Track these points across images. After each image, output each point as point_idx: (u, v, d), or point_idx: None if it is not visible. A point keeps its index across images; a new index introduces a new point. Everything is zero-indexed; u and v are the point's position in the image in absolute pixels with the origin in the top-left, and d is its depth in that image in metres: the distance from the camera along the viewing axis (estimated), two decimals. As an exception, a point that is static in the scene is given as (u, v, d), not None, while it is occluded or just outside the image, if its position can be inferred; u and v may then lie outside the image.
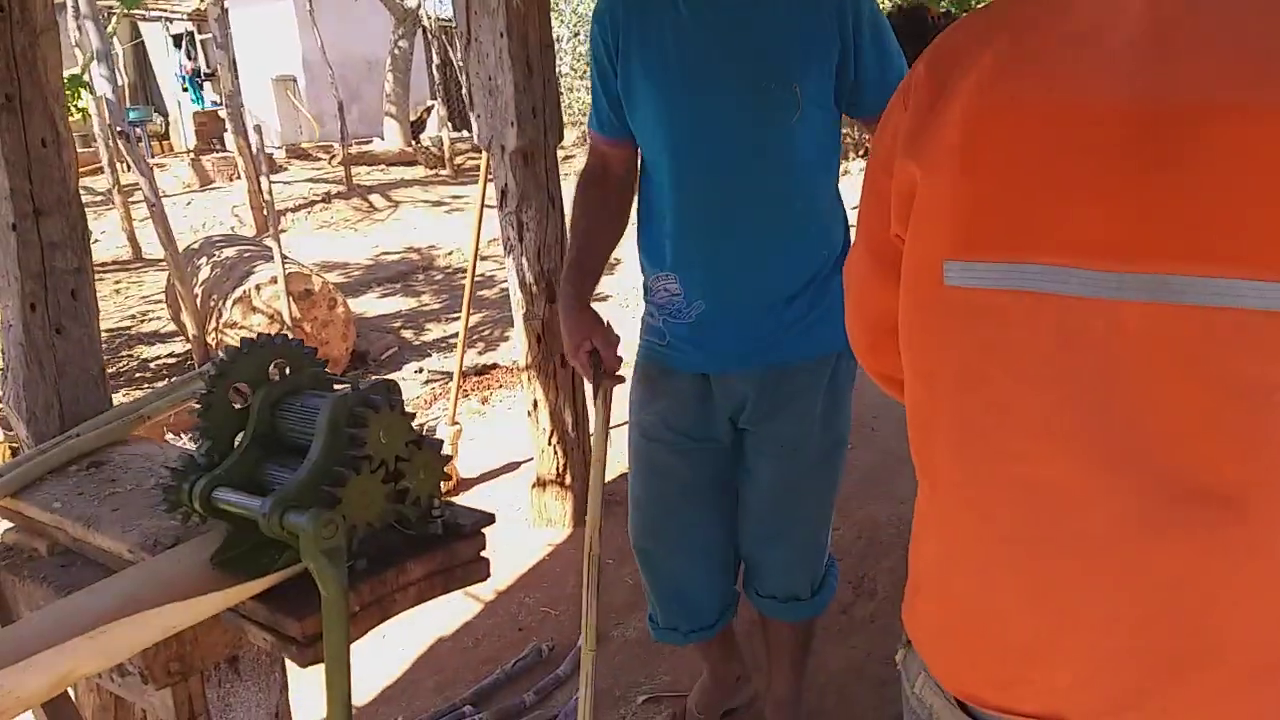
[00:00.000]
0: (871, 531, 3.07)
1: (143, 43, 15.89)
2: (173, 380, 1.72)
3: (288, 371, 1.17)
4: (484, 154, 3.12)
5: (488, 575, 1.23)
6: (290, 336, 1.19)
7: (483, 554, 1.22)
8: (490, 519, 1.26)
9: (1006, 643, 0.80)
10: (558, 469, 3.26)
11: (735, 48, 1.65)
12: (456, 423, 3.76)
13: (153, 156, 12.92)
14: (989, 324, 0.76)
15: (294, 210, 10.61)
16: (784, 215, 1.73)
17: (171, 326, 6.45)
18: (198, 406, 1.15)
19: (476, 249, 3.60)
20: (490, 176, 3.14)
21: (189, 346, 5.64)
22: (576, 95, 11.67)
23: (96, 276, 1.81)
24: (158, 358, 6.27)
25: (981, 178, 0.76)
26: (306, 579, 1.03)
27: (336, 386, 1.21)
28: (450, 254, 9.09)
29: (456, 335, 6.51)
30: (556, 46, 3.24)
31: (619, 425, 2.21)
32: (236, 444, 1.14)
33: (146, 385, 5.66)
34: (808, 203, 1.75)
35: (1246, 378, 0.67)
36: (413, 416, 1.13)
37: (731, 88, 1.65)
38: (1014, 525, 0.78)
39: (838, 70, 1.66)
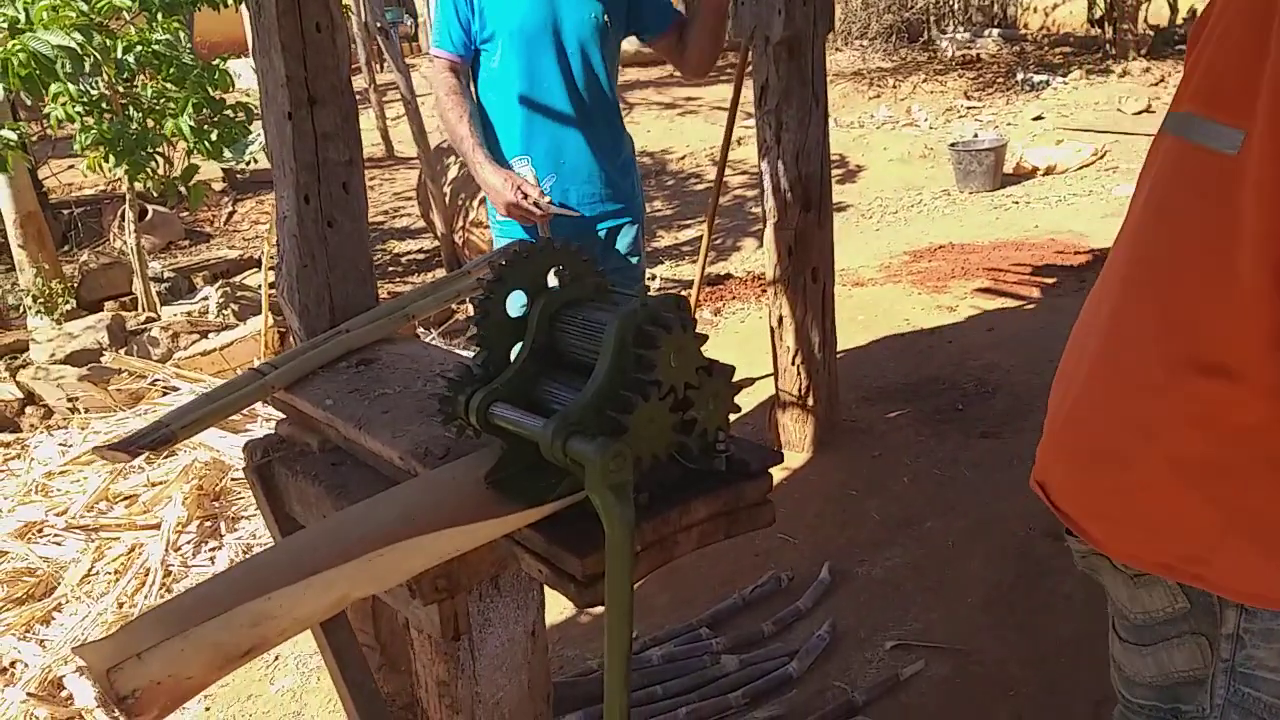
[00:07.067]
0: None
1: (396, -55, 16.44)
2: (437, 279, 1.68)
3: (568, 280, 1.05)
4: (743, 46, 2.89)
5: (773, 520, 1.09)
6: (571, 242, 1.07)
7: (768, 497, 1.08)
8: (778, 457, 1.11)
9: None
10: (800, 390, 3.08)
11: None
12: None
13: (402, 58, 13.44)
14: None
15: (532, 112, 10.76)
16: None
17: (421, 223, 6.72)
18: (460, 312, 1.06)
19: (726, 152, 3.41)
20: (749, 71, 2.92)
21: (437, 243, 5.85)
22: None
23: (355, 173, 1.78)
24: (408, 253, 6.57)
25: None
26: (585, 509, 0.92)
27: (619, 299, 1.08)
28: (683, 158, 8.93)
29: (688, 243, 6.42)
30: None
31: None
32: (513, 357, 1.04)
33: (398, 279, 5.94)
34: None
35: None
36: (704, 339, 0.98)
37: None
38: None
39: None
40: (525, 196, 2.38)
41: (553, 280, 1.07)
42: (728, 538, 1.06)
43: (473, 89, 2.53)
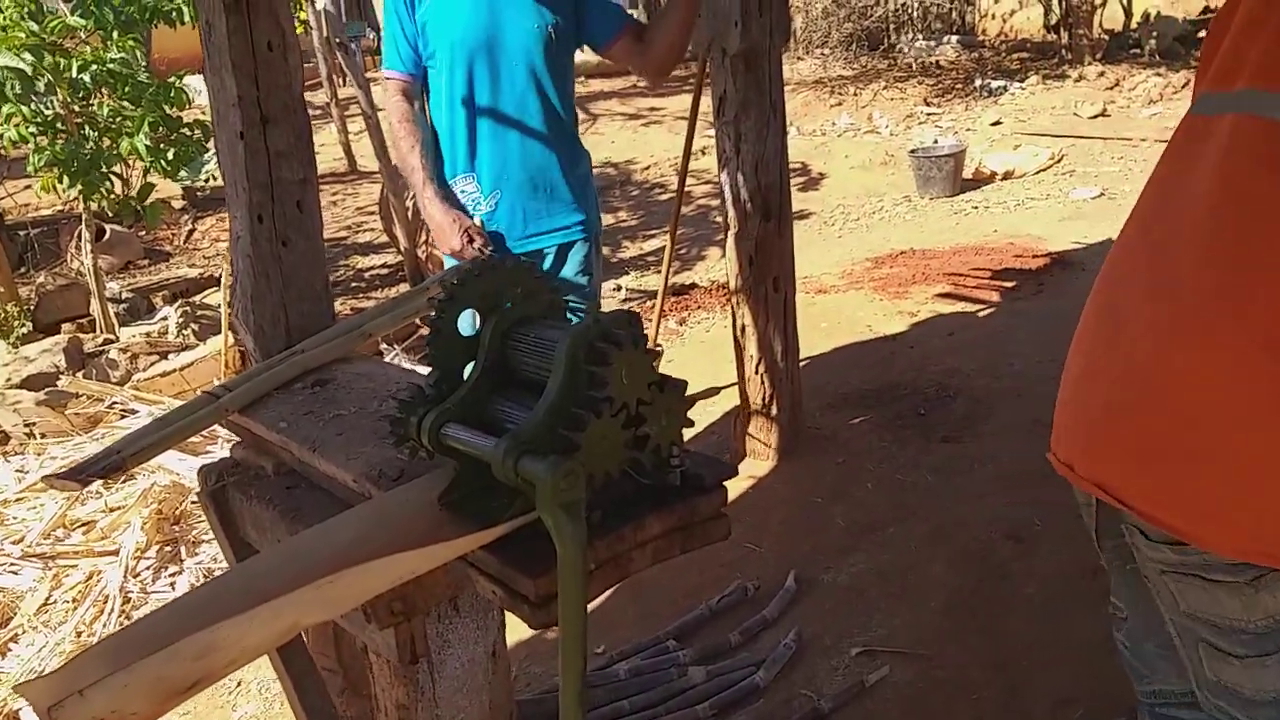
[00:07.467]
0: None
1: (357, -41, 16.36)
2: (395, 297, 1.67)
3: (520, 298, 1.06)
4: (701, 58, 2.91)
5: (728, 534, 1.09)
6: (523, 259, 1.07)
7: (723, 511, 1.08)
8: (732, 470, 1.11)
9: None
10: (764, 398, 3.10)
11: None
12: (659, 345, 3.66)
13: (365, 71, 13.37)
14: None
15: (496, 124, 10.72)
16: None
17: (384, 238, 6.67)
18: (423, 328, 1.05)
19: (686, 163, 3.42)
20: (707, 83, 2.93)
21: (400, 258, 5.81)
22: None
23: (314, 188, 1.77)
24: (371, 268, 6.52)
25: None
26: (538, 529, 0.92)
27: (571, 316, 1.09)
28: (647, 169, 8.95)
29: (653, 253, 6.43)
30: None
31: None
32: (466, 376, 1.04)
33: (361, 295, 5.90)
34: None
35: None
36: (658, 354, 0.99)
37: None
38: None
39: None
40: (471, 240, 2.34)
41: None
42: (683, 553, 1.06)
43: (426, 107, 2.51)
